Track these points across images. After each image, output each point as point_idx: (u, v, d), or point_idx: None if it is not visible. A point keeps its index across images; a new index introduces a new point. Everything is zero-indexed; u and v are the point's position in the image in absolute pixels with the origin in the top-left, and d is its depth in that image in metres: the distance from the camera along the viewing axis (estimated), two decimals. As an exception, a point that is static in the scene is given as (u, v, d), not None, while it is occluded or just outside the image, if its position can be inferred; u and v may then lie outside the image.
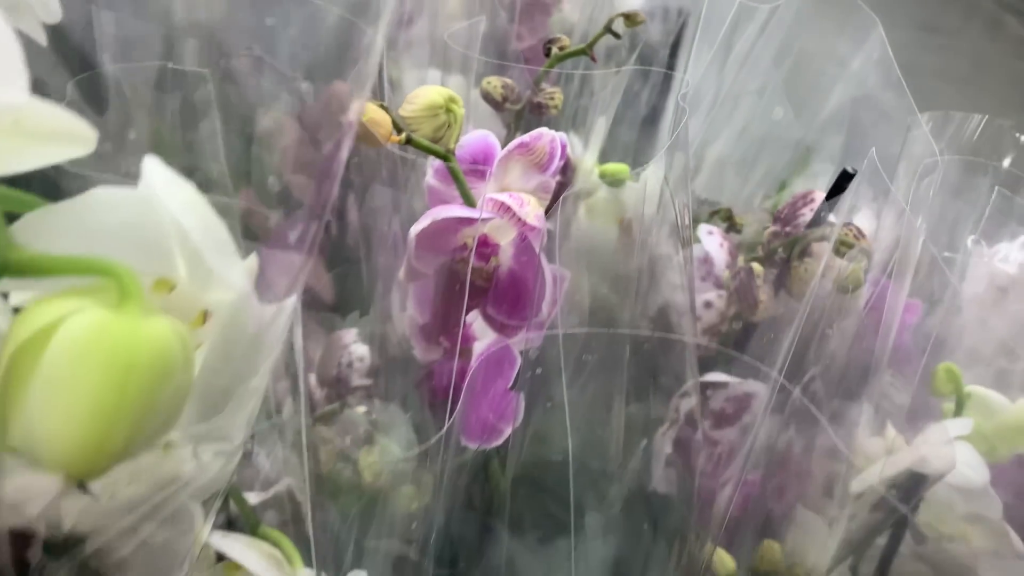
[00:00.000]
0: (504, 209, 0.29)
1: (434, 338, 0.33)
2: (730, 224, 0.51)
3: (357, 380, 0.42)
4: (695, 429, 0.42)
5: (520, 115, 0.43)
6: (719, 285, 0.46)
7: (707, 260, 0.46)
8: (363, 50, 0.23)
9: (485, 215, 0.29)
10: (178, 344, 0.15)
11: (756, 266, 0.42)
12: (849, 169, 0.38)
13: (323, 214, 0.20)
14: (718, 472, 0.42)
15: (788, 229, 0.43)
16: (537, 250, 0.29)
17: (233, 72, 0.27)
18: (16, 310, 0.20)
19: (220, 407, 0.19)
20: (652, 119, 0.56)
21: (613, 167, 0.47)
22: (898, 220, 0.37)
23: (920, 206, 0.35)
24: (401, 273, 0.30)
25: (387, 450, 0.32)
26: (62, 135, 0.16)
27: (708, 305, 0.45)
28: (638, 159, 0.48)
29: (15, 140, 0.16)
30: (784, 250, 0.42)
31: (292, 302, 0.18)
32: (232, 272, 0.16)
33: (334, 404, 0.36)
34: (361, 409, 0.36)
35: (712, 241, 0.46)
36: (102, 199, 0.16)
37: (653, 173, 0.42)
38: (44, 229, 0.16)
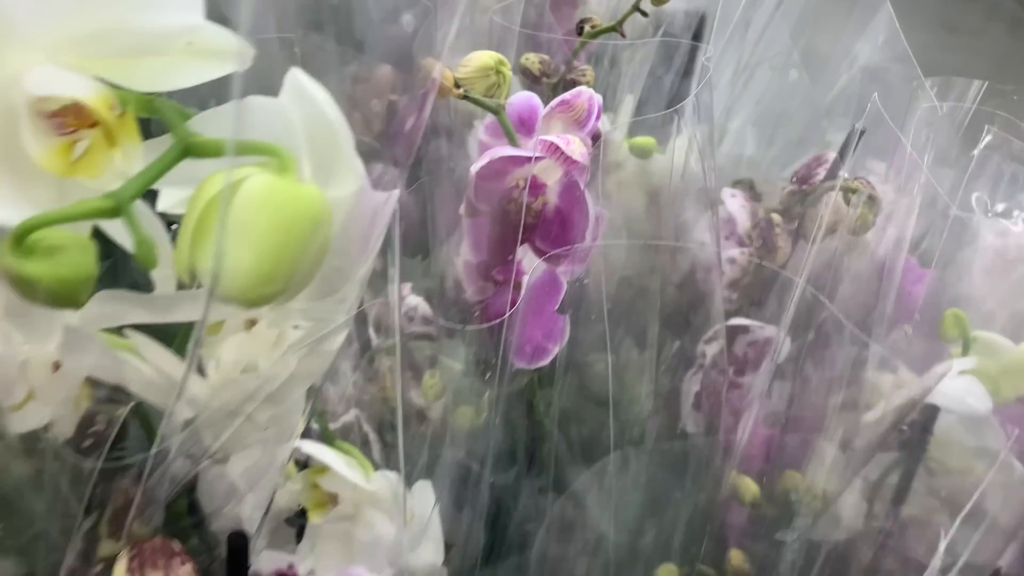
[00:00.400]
0: (553, 149, 0.33)
1: (488, 275, 0.37)
2: (751, 194, 0.54)
3: (413, 328, 0.46)
4: (720, 372, 0.45)
5: (556, 88, 0.48)
6: (741, 243, 0.50)
7: (730, 220, 0.50)
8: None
9: (537, 154, 0.33)
10: (325, 205, 0.19)
11: (775, 216, 0.45)
12: (859, 126, 0.42)
13: (416, 137, 0.24)
14: (740, 413, 0.46)
15: (804, 187, 0.47)
16: (581, 186, 0.34)
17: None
18: (161, 214, 0.24)
19: (335, 288, 0.23)
20: (675, 104, 0.60)
21: (641, 140, 0.51)
22: (899, 172, 0.40)
23: (922, 152, 0.39)
24: (462, 209, 0.35)
25: (448, 371, 0.36)
26: (226, 53, 0.20)
27: (731, 261, 0.49)
28: (663, 136, 0.52)
29: (187, 58, 0.21)
30: (800, 206, 0.46)
31: (396, 194, 0.22)
32: (356, 160, 0.20)
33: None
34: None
35: (734, 202, 0.50)
36: (254, 104, 0.21)
37: (679, 144, 0.46)
38: (211, 126, 0.20)
